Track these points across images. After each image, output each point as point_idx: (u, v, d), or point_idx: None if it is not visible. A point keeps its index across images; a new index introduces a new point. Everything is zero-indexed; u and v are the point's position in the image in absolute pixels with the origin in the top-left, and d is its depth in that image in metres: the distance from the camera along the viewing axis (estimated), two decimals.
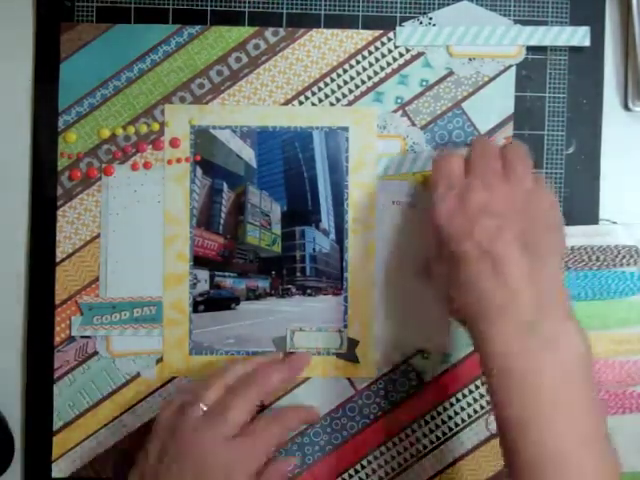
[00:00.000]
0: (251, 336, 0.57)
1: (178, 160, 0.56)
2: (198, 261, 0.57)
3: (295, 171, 0.57)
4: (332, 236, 0.57)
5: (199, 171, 0.56)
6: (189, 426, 0.50)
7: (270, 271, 0.57)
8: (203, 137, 0.56)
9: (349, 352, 0.57)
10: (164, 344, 0.57)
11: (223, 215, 0.57)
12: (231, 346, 0.57)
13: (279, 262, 0.57)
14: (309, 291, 0.57)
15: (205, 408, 0.51)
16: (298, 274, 0.57)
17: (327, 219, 0.57)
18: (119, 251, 0.57)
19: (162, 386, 0.57)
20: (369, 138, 0.56)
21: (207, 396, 0.51)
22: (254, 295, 0.57)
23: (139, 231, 0.57)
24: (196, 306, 0.56)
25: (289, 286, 0.57)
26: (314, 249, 0.57)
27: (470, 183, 0.48)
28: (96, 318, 0.56)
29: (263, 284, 0.57)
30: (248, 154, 0.56)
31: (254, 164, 0.56)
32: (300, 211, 0.57)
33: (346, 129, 0.56)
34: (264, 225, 0.57)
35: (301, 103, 0.57)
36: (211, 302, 0.57)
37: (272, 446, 0.52)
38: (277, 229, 0.57)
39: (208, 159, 0.56)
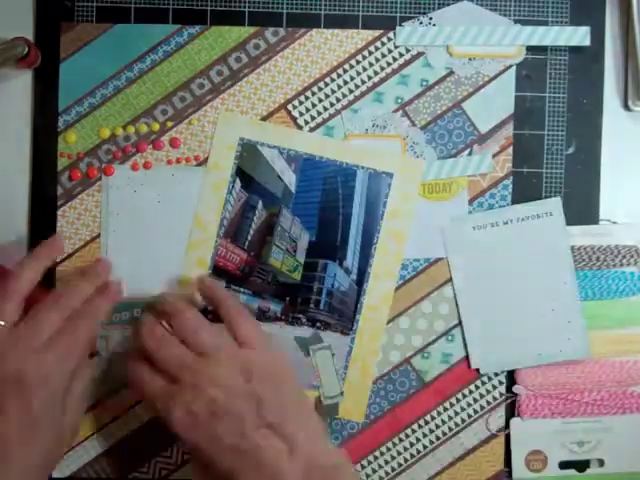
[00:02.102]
0: None
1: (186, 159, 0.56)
2: (217, 271, 0.56)
3: (331, 205, 0.56)
4: (353, 276, 0.56)
5: (238, 183, 0.56)
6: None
7: (285, 296, 0.57)
8: (249, 151, 0.56)
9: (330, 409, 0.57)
10: None
11: (252, 231, 0.56)
12: None
13: (296, 290, 0.56)
14: (318, 324, 0.56)
15: (2, 323, 0.48)
16: (312, 305, 0.56)
17: (352, 258, 0.56)
18: (119, 251, 0.57)
19: None
20: (411, 189, 0.56)
21: (11, 314, 0.49)
22: (264, 316, 0.56)
23: (139, 231, 0.57)
24: (206, 315, 0.55)
25: (300, 315, 0.57)
26: (333, 285, 0.56)
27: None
28: None
29: (275, 307, 0.57)
30: (289, 178, 0.56)
31: (293, 189, 0.56)
32: (327, 244, 0.56)
33: (391, 175, 0.56)
34: (289, 250, 0.56)
35: (301, 103, 0.57)
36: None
37: (85, 343, 0.50)
38: (301, 257, 0.56)
39: (249, 174, 0.56)
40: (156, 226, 0.57)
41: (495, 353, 0.56)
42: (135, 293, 0.57)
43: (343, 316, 0.56)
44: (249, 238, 0.56)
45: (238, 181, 0.56)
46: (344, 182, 0.56)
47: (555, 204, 0.56)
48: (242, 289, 0.57)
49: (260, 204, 0.56)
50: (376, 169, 0.56)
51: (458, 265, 0.57)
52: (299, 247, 0.56)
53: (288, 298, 0.57)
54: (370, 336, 0.56)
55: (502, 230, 0.56)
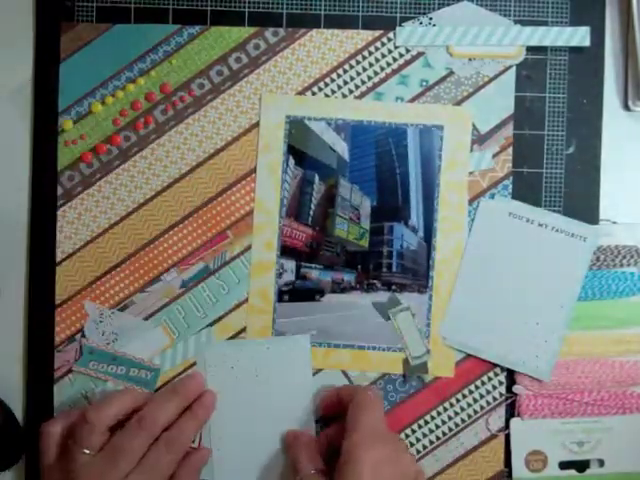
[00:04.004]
0: (334, 329, 0.56)
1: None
2: (285, 251, 0.56)
3: (387, 167, 0.56)
4: (420, 233, 0.56)
5: (292, 161, 0.56)
6: (82, 476, 0.49)
7: (356, 265, 0.57)
8: (297, 127, 0.56)
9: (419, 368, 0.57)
10: (247, 331, 0.56)
11: (313, 206, 0.56)
12: (314, 337, 0.56)
13: (366, 256, 0.57)
14: (394, 287, 0.56)
15: (88, 452, 0.50)
16: (384, 270, 0.56)
17: (416, 216, 0.56)
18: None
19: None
20: (463, 138, 0.56)
21: (91, 440, 0.50)
22: (339, 288, 0.57)
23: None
24: (281, 295, 0.56)
25: (374, 281, 0.57)
26: (402, 245, 0.56)
27: None
28: (92, 364, 0.56)
29: (349, 277, 0.57)
30: (341, 147, 0.56)
31: (347, 157, 0.56)
32: (390, 207, 0.57)
33: (441, 128, 0.56)
34: (353, 219, 0.56)
35: None
36: (296, 292, 0.57)
37: (168, 474, 0.51)
38: (366, 223, 0.56)
39: (301, 149, 0.56)
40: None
41: (465, 332, 0.56)
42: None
43: (417, 275, 0.57)
44: (311, 213, 0.56)
45: (291, 159, 0.56)
46: (396, 142, 0.56)
47: (592, 232, 0.56)
48: (313, 265, 0.57)
49: (316, 178, 0.56)
50: (425, 124, 0.56)
51: (476, 240, 0.56)
52: (362, 214, 0.56)
53: (360, 266, 0.57)
54: (447, 289, 0.57)
55: (533, 229, 0.56)
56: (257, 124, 0.57)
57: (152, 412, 0.51)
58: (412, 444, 0.57)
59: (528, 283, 0.56)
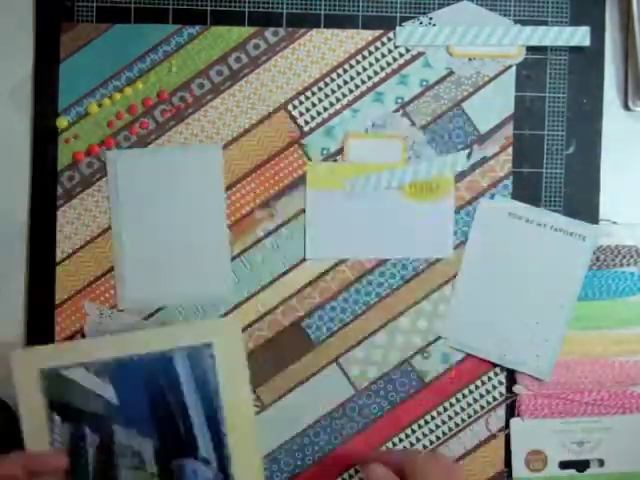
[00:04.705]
0: None
1: None
2: None
3: (161, 400, 0.52)
4: (214, 464, 0.52)
5: (57, 418, 0.52)
6: None
7: None
8: (54, 380, 0.52)
9: None
10: None
11: (91, 462, 0.51)
12: None
13: None
14: None
15: None
16: None
17: (205, 447, 0.52)
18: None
19: None
20: (236, 349, 0.52)
21: None
22: None
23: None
24: None
25: None
26: None
27: None
28: None
29: None
30: (108, 391, 0.52)
31: (116, 401, 0.52)
32: (174, 443, 0.52)
33: (209, 345, 0.52)
34: (138, 465, 0.51)
35: (301, 103, 0.57)
36: None
37: None
38: (153, 467, 0.52)
39: (65, 403, 0.52)
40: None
41: (465, 332, 0.56)
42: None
43: None
44: (91, 470, 0.51)
45: (56, 415, 0.52)
46: (165, 372, 0.52)
47: (592, 231, 0.56)
48: None
49: (87, 430, 0.52)
50: (193, 344, 0.52)
51: (476, 240, 0.56)
52: (146, 458, 0.52)
53: None
54: None
55: (533, 229, 0.56)
56: (257, 124, 0.57)
57: None
58: (412, 444, 0.57)
59: (528, 283, 0.56)
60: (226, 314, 0.56)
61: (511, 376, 0.57)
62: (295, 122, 0.57)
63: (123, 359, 0.52)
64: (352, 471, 0.57)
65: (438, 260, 0.57)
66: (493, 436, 0.57)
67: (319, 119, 0.57)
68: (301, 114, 0.57)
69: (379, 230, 0.57)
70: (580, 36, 0.56)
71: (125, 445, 0.52)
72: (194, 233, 0.56)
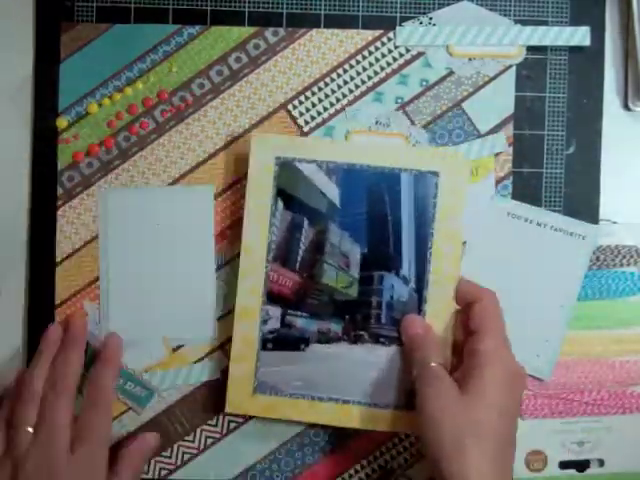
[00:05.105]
0: (318, 380, 0.54)
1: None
2: (271, 297, 0.54)
3: (379, 213, 0.54)
4: (412, 284, 0.54)
5: (280, 205, 0.54)
6: (25, 453, 0.50)
7: (344, 315, 0.54)
8: (287, 170, 0.54)
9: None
10: (229, 379, 0.55)
11: (301, 252, 0.54)
12: (297, 389, 0.54)
13: (354, 306, 0.54)
14: (382, 340, 0.54)
15: (31, 430, 0.50)
16: (372, 321, 0.54)
17: (408, 266, 0.54)
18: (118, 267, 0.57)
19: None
20: (459, 185, 0.54)
21: (27, 417, 0.51)
22: (325, 338, 0.54)
23: (139, 239, 0.57)
24: (265, 343, 0.54)
25: (362, 332, 0.54)
26: (392, 296, 0.54)
27: None
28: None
29: (335, 328, 0.54)
30: (332, 191, 0.54)
31: (337, 202, 0.54)
32: (381, 256, 0.54)
33: (436, 174, 0.54)
34: (342, 266, 0.54)
35: (301, 103, 0.57)
36: (280, 341, 0.54)
37: (107, 433, 0.52)
38: (355, 272, 0.54)
39: (291, 193, 0.54)
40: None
41: None
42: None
43: None
44: (299, 259, 0.54)
45: (280, 202, 0.54)
46: (389, 188, 0.54)
47: (591, 231, 0.56)
48: (299, 312, 0.54)
49: (306, 222, 0.54)
50: (420, 169, 0.54)
51: (476, 240, 0.56)
52: (352, 262, 0.54)
53: (347, 316, 0.54)
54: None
55: (532, 229, 0.56)
56: (257, 124, 0.57)
57: (59, 372, 0.52)
58: (412, 444, 0.57)
59: (528, 283, 0.56)
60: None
61: None
62: (295, 122, 0.57)
63: (355, 165, 0.54)
64: (352, 471, 0.57)
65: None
66: None
67: (319, 119, 0.57)
68: (301, 114, 0.57)
69: None
70: (580, 36, 0.56)
71: (336, 245, 0.54)
72: (181, 276, 0.57)
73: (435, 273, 0.54)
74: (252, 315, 0.54)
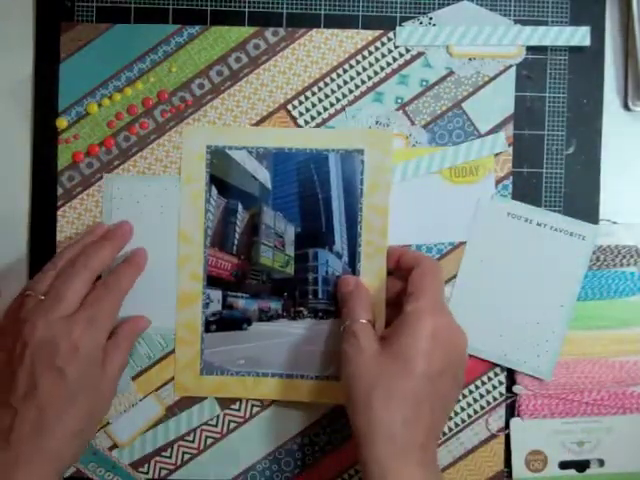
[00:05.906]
0: (262, 357, 0.56)
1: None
2: (211, 281, 0.56)
3: (310, 193, 0.56)
4: (345, 259, 0.56)
5: (214, 191, 0.56)
6: (28, 315, 0.50)
7: (282, 293, 0.56)
8: (219, 157, 0.56)
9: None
10: (176, 364, 0.57)
11: (237, 235, 0.56)
12: (242, 367, 0.56)
13: (292, 284, 0.56)
14: (321, 314, 0.56)
15: (42, 297, 0.51)
16: (310, 296, 0.56)
17: (340, 241, 0.56)
18: None
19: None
20: (384, 161, 0.56)
21: (41, 286, 0.51)
22: (266, 316, 0.56)
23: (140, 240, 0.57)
24: (208, 326, 0.56)
25: (301, 308, 0.56)
26: (327, 271, 0.56)
27: None
28: (92, 465, 0.57)
29: (275, 305, 0.56)
30: (263, 175, 0.56)
31: (269, 185, 0.56)
32: (314, 233, 0.56)
33: (361, 151, 0.56)
34: (278, 246, 0.56)
35: (301, 103, 0.57)
36: (223, 322, 0.56)
37: (111, 312, 0.52)
38: (290, 250, 0.56)
39: (223, 179, 0.56)
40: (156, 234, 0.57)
41: (465, 331, 0.55)
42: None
43: None
44: (236, 242, 0.56)
45: (214, 189, 0.56)
46: (317, 168, 0.56)
47: (591, 231, 0.56)
48: (239, 294, 0.56)
49: (240, 207, 0.56)
50: (347, 148, 0.56)
51: (475, 240, 0.56)
52: (287, 241, 0.56)
53: (286, 294, 0.56)
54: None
55: (532, 229, 0.56)
56: (257, 124, 0.57)
57: (89, 255, 0.52)
58: None
59: (528, 283, 0.56)
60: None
61: (511, 376, 0.57)
62: (295, 122, 0.57)
63: (283, 149, 0.56)
64: (352, 471, 0.57)
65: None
66: (493, 436, 0.57)
67: (319, 119, 0.57)
68: (301, 114, 0.57)
69: (422, 216, 0.57)
70: (580, 36, 0.56)
71: (270, 226, 0.56)
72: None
73: (366, 245, 0.56)
74: (194, 300, 0.56)
